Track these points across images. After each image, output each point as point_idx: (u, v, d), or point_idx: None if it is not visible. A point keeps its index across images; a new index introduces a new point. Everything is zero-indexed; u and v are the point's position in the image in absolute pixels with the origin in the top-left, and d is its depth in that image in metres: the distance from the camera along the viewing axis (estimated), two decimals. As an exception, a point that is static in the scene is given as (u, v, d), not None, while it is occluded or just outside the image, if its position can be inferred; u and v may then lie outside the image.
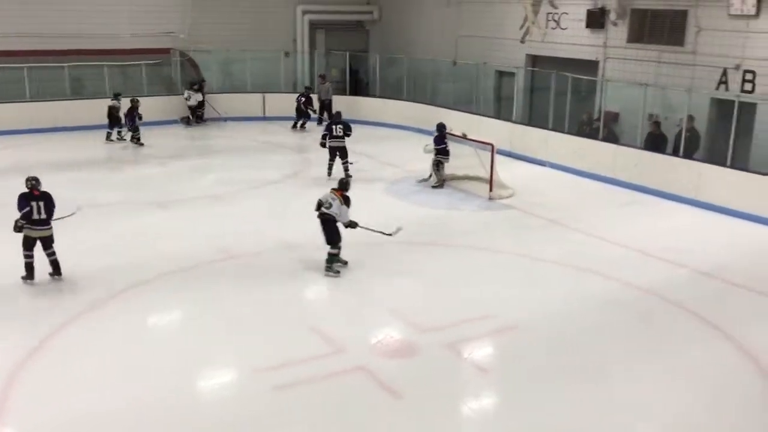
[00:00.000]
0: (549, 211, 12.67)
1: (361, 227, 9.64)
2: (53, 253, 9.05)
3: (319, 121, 19.54)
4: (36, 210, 8.77)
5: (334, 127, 14.29)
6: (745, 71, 13.47)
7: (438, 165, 13.99)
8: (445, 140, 13.92)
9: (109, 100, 17.53)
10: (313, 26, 22.96)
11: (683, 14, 14.49)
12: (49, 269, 9.08)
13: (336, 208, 9.42)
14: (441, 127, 14.05)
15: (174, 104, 19.98)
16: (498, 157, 13.95)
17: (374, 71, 21.54)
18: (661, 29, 15.03)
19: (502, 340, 8.00)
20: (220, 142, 18.47)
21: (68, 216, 10.15)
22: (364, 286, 9.41)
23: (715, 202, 12.66)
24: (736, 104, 12.72)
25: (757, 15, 13.15)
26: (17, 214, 8.82)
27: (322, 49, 22.93)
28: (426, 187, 14.07)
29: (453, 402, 6.82)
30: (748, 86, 13.42)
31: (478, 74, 18.67)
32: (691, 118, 13.61)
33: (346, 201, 9.53)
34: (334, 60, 22.30)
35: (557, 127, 16.00)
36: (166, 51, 20.80)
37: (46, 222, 8.88)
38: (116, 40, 19.87)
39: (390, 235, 9.95)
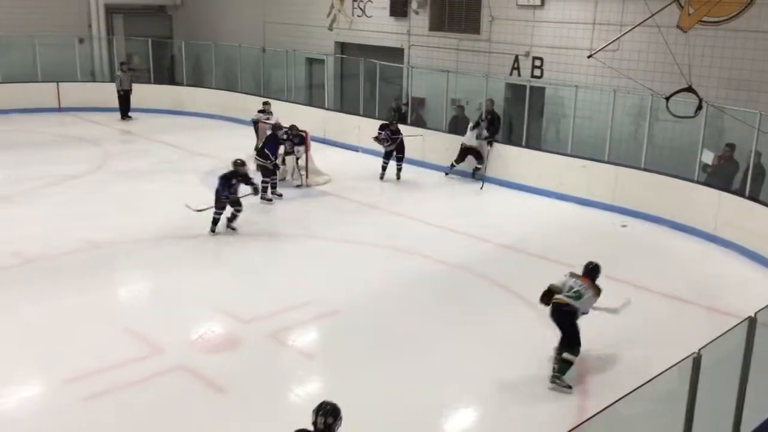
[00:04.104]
0: (364, 195, 12.97)
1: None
2: None
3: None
4: None
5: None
6: (534, 58, 14.62)
7: (297, 161, 13.34)
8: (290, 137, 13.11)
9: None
10: (110, 10, 21.50)
11: (478, 3, 15.39)
12: None
13: (588, 300, 6.85)
14: (278, 127, 13.38)
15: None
16: (312, 144, 14.01)
17: (179, 59, 20.67)
18: (459, 18, 15.85)
19: (325, 324, 8.09)
20: (7, 137, 16.78)
21: None
22: (181, 281, 9.03)
23: (515, 180, 13.64)
24: (528, 89, 13.80)
25: (542, 5, 14.28)
26: None
27: (122, 35, 21.56)
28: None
29: (279, 390, 6.79)
30: (537, 72, 14.59)
31: (287, 61, 18.56)
32: (491, 102, 14.53)
33: (598, 292, 6.95)
34: (136, 46, 21.06)
35: (368, 114, 16.37)
36: (-64, 36, 18.51)
37: None
38: None
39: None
